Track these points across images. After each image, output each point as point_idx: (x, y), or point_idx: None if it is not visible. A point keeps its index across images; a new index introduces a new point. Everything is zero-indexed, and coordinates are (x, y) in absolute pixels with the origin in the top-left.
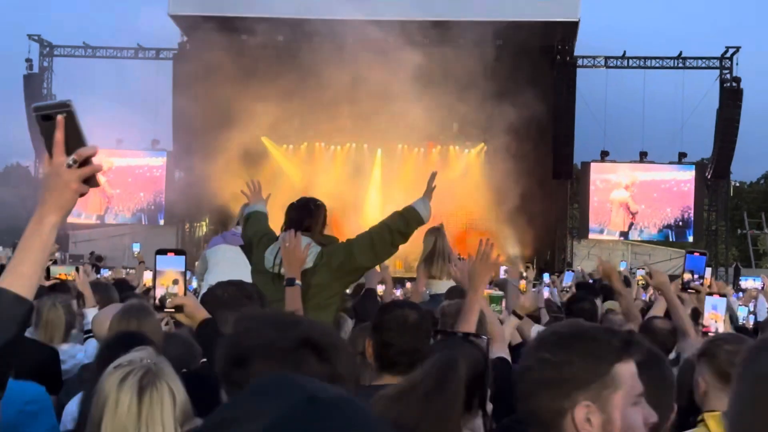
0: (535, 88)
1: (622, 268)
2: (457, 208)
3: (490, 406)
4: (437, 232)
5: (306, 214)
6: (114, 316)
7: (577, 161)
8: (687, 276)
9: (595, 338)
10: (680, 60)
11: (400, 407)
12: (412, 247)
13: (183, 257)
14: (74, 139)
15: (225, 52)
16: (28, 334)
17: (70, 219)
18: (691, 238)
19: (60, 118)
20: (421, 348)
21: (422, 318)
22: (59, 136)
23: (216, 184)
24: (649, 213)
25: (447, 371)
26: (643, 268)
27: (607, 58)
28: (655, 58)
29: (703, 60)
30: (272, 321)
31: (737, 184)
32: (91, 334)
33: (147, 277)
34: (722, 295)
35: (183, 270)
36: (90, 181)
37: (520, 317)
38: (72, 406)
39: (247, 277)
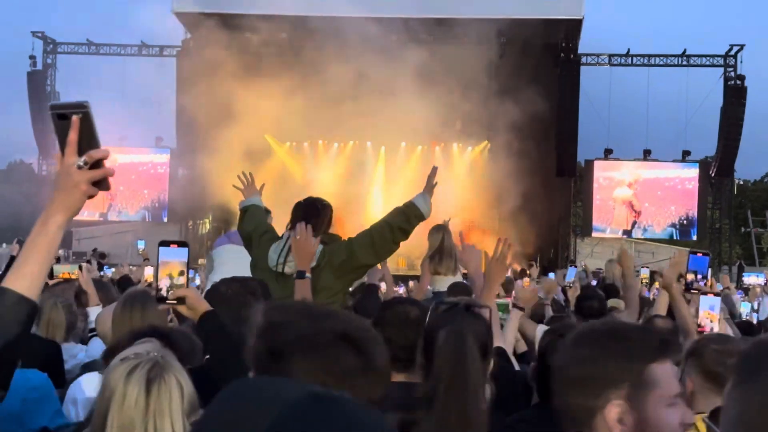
0: (539, 85)
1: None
2: (460, 205)
3: (489, 390)
4: (443, 228)
5: (313, 213)
6: (116, 306)
7: (581, 159)
8: (690, 276)
9: (631, 337)
10: (684, 58)
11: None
12: (415, 245)
13: (186, 249)
14: (88, 140)
15: (228, 50)
16: None
17: None
18: (694, 237)
19: (75, 118)
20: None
21: (423, 314)
22: (73, 136)
23: (219, 182)
24: (653, 211)
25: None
26: (646, 267)
27: (611, 56)
28: (659, 56)
29: (707, 58)
30: (306, 313)
31: (741, 182)
32: (94, 333)
33: (148, 272)
34: (717, 295)
35: (186, 262)
36: (101, 184)
37: (521, 309)
38: (74, 393)
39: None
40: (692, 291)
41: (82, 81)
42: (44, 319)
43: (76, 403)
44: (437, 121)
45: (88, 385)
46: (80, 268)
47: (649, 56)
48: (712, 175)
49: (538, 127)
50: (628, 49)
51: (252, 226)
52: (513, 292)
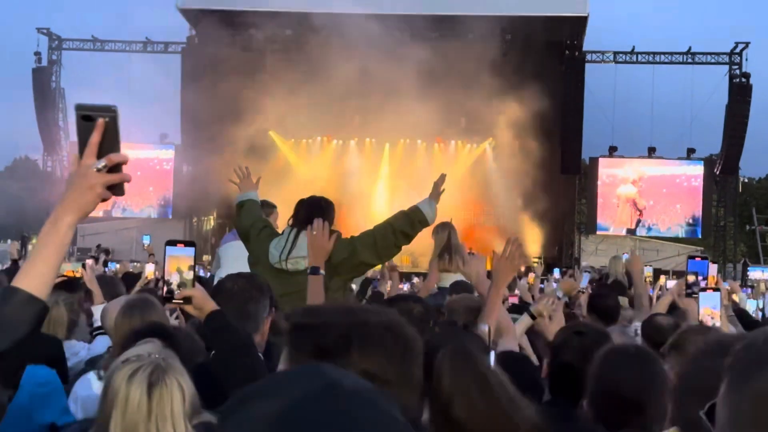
0: (543, 83)
1: (624, 261)
2: (464, 203)
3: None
4: (449, 226)
5: (317, 212)
6: (117, 312)
7: (585, 157)
8: (691, 278)
9: None
10: (689, 55)
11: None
12: (420, 243)
13: (193, 248)
14: (110, 144)
15: (233, 46)
16: None
17: None
18: (699, 234)
19: (101, 121)
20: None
21: (427, 311)
22: (95, 138)
23: (223, 178)
24: (658, 209)
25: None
26: (649, 265)
27: (616, 53)
28: (664, 53)
29: (713, 55)
30: (349, 310)
31: (746, 180)
32: (100, 331)
33: (149, 269)
34: (715, 290)
35: (193, 261)
36: (115, 189)
37: (533, 317)
38: (76, 390)
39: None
40: (693, 295)
41: (87, 77)
42: (46, 317)
43: (77, 400)
44: (441, 118)
45: (88, 384)
46: (83, 266)
47: (654, 54)
48: (717, 172)
49: (543, 125)
50: (633, 47)
51: (249, 221)
52: (516, 290)
